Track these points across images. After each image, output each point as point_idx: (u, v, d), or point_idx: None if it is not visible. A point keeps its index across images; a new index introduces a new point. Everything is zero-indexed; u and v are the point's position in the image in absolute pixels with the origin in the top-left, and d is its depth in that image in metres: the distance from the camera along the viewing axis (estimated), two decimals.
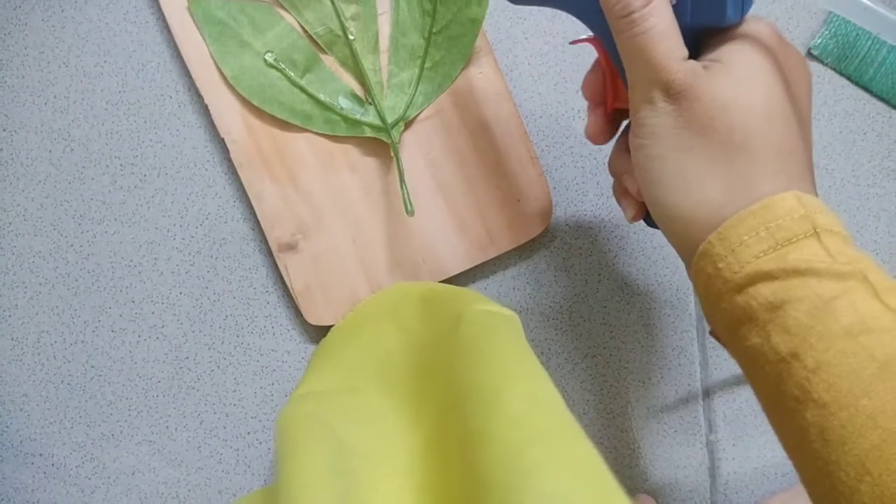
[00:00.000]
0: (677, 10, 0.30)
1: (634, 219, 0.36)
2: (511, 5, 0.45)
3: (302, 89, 0.43)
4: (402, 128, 0.44)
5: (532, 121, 0.47)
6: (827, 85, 0.49)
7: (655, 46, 0.29)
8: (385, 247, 0.45)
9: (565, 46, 0.47)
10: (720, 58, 0.30)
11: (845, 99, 0.49)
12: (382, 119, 0.44)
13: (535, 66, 0.47)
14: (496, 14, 0.46)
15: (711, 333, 0.32)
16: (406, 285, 0.45)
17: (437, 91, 0.44)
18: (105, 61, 0.45)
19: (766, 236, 0.28)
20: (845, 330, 0.26)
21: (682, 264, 0.49)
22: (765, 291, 0.28)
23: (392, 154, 0.44)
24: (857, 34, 0.48)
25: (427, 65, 0.44)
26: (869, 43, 0.48)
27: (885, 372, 0.25)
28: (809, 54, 0.48)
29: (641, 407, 0.49)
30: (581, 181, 0.48)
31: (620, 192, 0.37)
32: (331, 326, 0.45)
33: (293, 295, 0.44)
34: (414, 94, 0.44)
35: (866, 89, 0.49)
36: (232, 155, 0.44)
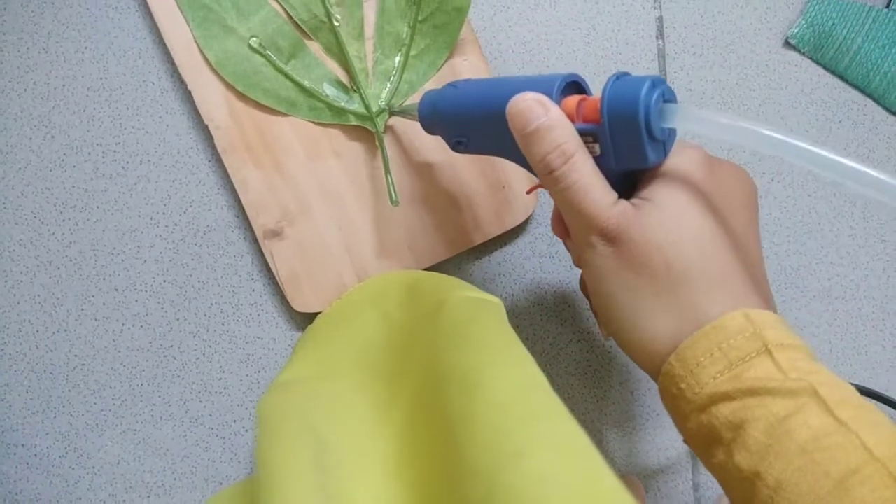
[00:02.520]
0: (601, 159, 0.32)
1: (607, 337, 0.37)
2: None
3: (286, 75, 0.43)
4: (388, 116, 0.44)
5: None
6: (804, 74, 0.50)
7: (583, 198, 0.31)
8: (371, 233, 0.45)
9: (549, 35, 0.47)
10: (650, 196, 0.32)
11: (822, 88, 0.50)
12: (367, 107, 0.44)
13: (519, 54, 0.47)
14: (481, 3, 0.46)
15: (686, 442, 0.33)
16: (391, 274, 0.45)
17: (423, 79, 0.44)
18: (86, 47, 0.44)
19: (720, 357, 0.30)
20: (801, 448, 0.27)
21: None
22: (725, 411, 0.29)
23: (377, 142, 0.44)
24: (833, 24, 0.49)
25: (412, 53, 0.44)
26: (844, 32, 0.49)
27: (840, 489, 0.26)
28: (787, 43, 0.49)
29: (625, 391, 0.50)
30: None
31: (593, 309, 0.38)
32: (317, 314, 0.45)
33: (279, 282, 0.44)
34: (399, 83, 0.44)
35: (842, 78, 0.50)
36: (216, 141, 0.43)
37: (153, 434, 0.46)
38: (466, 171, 0.45)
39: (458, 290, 0.38)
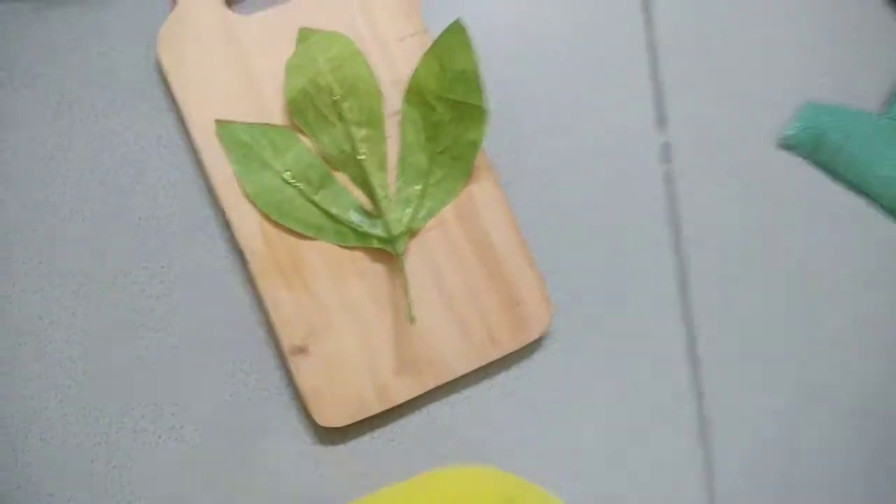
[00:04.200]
0: None
1: None
2: (509, 127, 0.49)
3: (316, 204, 0.47)
4: (408, 239, 0.47)
5: (529, 230, 0.50)
6: (801, 175, 0.52)
7: None
8: (391, 349, 0.47)
9: (561, 162, 0.51)
10: None
11: (817, 188, 0.52)
12: (389, 231, 0.47)
13: (531, 180, 0.50)
14: (496, 134, 0.50)
15: None
16: (484, 473, 0.40)
17: (440, 205, 0.48)
18: (138, 181, 0.49)
19: None
20: None
21: (681, 369, 0.50)
22: None
23: (398, 264, 0.47)
24: (828, 127, 0.51)
25: (431, 182, 0.48)
26: (838, 136, 0.51)
27: None
28: (781, 145, 0.52)
29: None
30: (578, 286, 0.50)
31: None
32: (340, 428, 0.47)
33: (303, 397, 0.47)
34: (419, 209, 0.48)
35: (836, 179, 0.52)
36: (250, 265, 0.47)
37: None
38: (482, 289, 0.48)
39: None
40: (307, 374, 0.47)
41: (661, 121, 0.52)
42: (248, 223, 0.47)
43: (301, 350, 0.47)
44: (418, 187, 0.48)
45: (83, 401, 0.48)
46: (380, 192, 0.47)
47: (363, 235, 0.47)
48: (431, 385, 0.47)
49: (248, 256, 0.47)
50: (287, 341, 0.47)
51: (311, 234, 0.47)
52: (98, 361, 0.48)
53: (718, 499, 0.50)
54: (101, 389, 0.48)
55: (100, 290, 0.48)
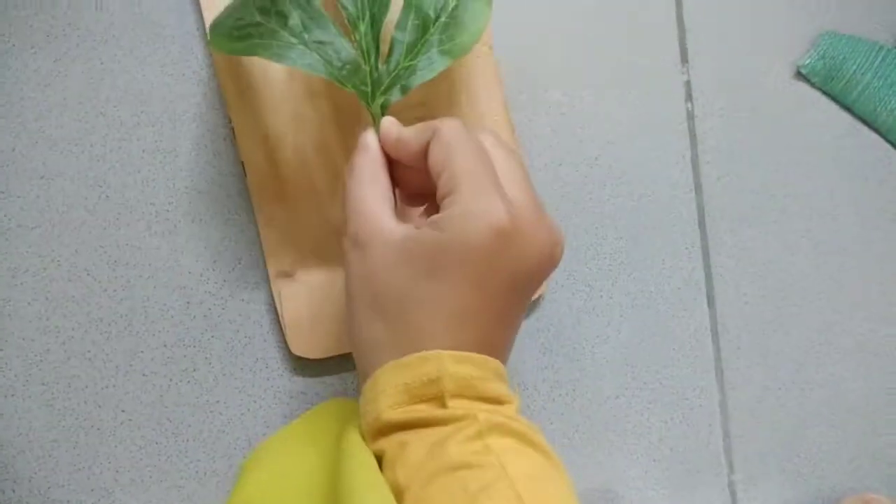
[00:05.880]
0: None
1: None
2: (528, 68, 0.48)
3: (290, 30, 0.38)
4: (398, 95, 0.39)
5: (548, 171, 0.49)
6: (812, 106, 0.52)
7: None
8: None
9: (583, 98, 0.49)
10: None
11: (830, 120, 0.52)
12: (369, 79, 0.39)
13: (553, 117, 0.49)
14: (515, 76, 0.48)
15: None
16: (333, 404, 0.46)
17: (443, 63, 0.39)
18: (142, 111, 0.46)
19: (403, 391, 0.33)
20: (448, 465, 0.31)
21: (699, 309, 0.51)
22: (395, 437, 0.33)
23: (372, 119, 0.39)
24: (844, 58, 0.51)
25: (441, 17, 0.39)
26: (854, 67, 0.51)
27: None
28: (798, 73, 0.51)
29: (664, 448, 0.50)
30: (595, 230, 0.49)
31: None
32: (314, 361, 0.46)
33: (281, 323, 0.45)
34: (412, 54, 0.39)
35: (849, 111, 0.52)
36: (248, 178, 0.45)
37: (198, 491, 0.46)
38: None
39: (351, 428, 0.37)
40: (289, 300, 0.45)
41: (683, 58, 0.51)
42: (252, 137, 0.44)
43: (287, 275, 0.45)
44: (416, 23, 0.38)
45: (87, 344, 0.45)
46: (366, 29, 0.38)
47: (337, 75, 0.38)
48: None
49: (247, 169, 0.45)
50: (273, 263, 0.45)
51: (273, 58, 0.37)
52: (102, 302, 0.46)
53: (732, 433, 0.51)
54: (106, 332, 0.45)
55: (102, 227, 0.46)
